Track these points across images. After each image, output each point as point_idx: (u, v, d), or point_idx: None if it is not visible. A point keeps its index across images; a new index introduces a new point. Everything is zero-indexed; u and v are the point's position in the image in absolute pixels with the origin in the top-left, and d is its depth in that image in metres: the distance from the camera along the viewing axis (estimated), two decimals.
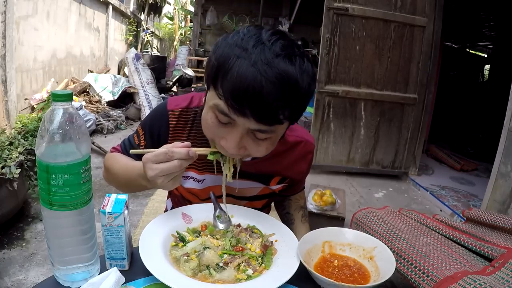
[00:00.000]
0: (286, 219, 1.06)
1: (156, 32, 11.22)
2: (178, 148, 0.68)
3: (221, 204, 0.85)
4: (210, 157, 0.76)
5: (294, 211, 1.06)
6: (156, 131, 0.90)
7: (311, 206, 2.23)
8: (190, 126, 0.88)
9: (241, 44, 0.61)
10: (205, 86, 0.73)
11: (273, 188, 0.95)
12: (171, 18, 11.80)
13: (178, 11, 11.24)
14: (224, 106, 0.64)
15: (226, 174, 0.79)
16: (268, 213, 1.10)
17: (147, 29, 9.35)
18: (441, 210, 2.98)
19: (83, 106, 4.44)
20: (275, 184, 0.94)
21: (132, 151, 0.75)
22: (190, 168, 0.90)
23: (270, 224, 0.84)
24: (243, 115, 0.62)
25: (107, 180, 0.97)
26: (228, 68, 0.61)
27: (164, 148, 0.69)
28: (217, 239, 0.77)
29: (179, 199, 1.00)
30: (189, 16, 11.63)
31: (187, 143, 0.71)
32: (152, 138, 0.90)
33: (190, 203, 0.93)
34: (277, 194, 1.01)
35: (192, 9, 10.91)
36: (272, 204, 1.14)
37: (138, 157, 0.94)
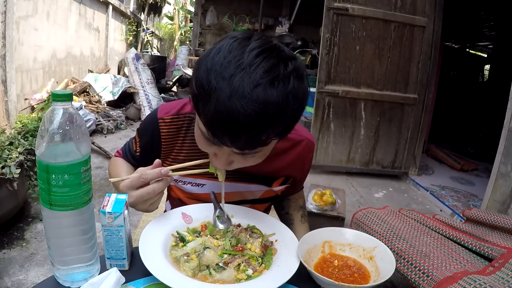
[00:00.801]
0: (286, 219, 1.06)
1: (156, 32, 11.21)
2: (150, 170, 0.71)
3: (221, 204, 0.85)
4: (210, 170, 0.78)
5: (293, 211, 1.06)
6: (149, 140, 0.90)
7: (311, 206, 2.23)
8: (184, 133, 0.88)
9: (220, 70, 0.58)
10: None
11: (276, 189, 0.95)
12: (171, 18, 11.80)
13: (178, 11, 11.24)
14: (207, 132, 0.64)
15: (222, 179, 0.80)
16: (268, 213, 1.10)
17: (147, 29, 9.35)
18: (441, 210, 2.98)
19: (83, 106, 4.44)
20: (278, 185, 0.94)
21: (111, 180, 0.79)
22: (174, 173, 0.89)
23: (270, 224, 0.84)
24: (224, 144, 0.63)
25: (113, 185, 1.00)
26: (207, 99, 0.58)
27: (138, 172, 0.71)
28: (217, 239, 0.77)
29: (178, 202, 1.00)
30: (189, 16, 11.64)
31: (157, 161, 0.73)
32: (146, 146, 0.91)
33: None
34: (279, 196, 1.01)
35: (192, 9, 10.91)
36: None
37: (134, 160, 0.95)
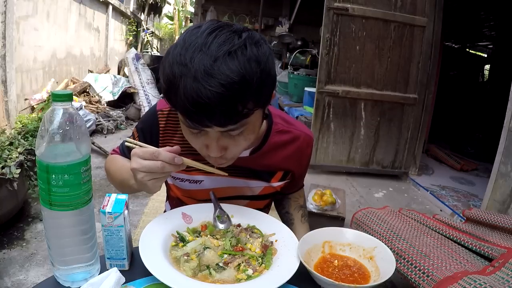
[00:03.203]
0: (286, 219, 1.06)
1: (156, 32, 11.21)
2: (166, 151, 0.68)
3: (221, 204, 0.85)
4: (216, 170, 0.78)
5: (294, 210, 1.06)
6: (148, 132, 0.90)
7: (311, 206, 2.23)
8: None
9: (181, 60, 0.61)
10: None
11: (275, 185, 0.94)
12: (171, 18, 11.80)
13: (178, 11, 11.25)
14: (186, 121, 0.65)
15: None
16: (268, 212, 1.10)
17: (147, 29, 9.34)
18: (441, 210, 2.98)
19: (83, 106, 4.44)
20: (277, 181, 0.93)
21: (127, 139, 0.75)
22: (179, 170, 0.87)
23: (270, 224, 0.84)
24: (206, 126, 0.64)
25: (110, 181, 0.99)
26: (176, 89, 0.61)
27: (154, 148, 0.70)
28: (217, 239, 0.77)
29: (177, 202, 1.00)
30: (189, 16, 11.64)
31: (177, 148, 0.71)
32: (145, 140, 0.90)
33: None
34: (279, 193, 1.01)
35: (192, 9, 10.91)
36: (272, 203, 1.14)
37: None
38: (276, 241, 0.79)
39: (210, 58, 0.59)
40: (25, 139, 2.46)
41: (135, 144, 0.73)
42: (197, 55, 0.60)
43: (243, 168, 0.88)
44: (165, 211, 1.09)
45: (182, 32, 0.66)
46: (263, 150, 0.88)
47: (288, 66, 4.68)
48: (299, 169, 0.97)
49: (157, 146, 0.86)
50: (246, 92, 0.61)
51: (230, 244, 0.75)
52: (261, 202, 0.99)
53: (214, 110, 0.60)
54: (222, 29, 0.63)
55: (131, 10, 8.77)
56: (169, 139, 0.89)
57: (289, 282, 0.65)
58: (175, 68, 0.61)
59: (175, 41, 0.69)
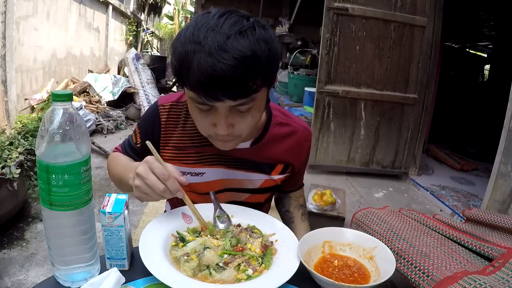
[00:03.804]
0: (286, 218, 1.06)
1: (156, 32, 11.21)
2: (175, 179, 0.71)
3: (221, 204, 0.85)
4: (209, 231, 0.79)
5: (294, 209, 1.06)
6: (149, 128, 0.91)
7: (311, 206, 2.23)
8: (184, 120, 0.90)
9: (194, 38, 0.64)
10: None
11: (275, 178, 0.94)
12: (171, 18, 11.80)
13: (178, 11, 11.24)
14: (198, 97, 0.67)
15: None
16: (268, 209, 1.11)
17: (147, 29, 9.34)
18: (441, 210, 2.98)
19: (83, 106, 4.44)
20: (277, 173, 0.94)
21: (148, 142, 0.76)
22: (175, 162, 0.89)
23: (270, 224, 0.84)
24: (217, 100, 0.66)
25: (110, 178, 1.00)
26: (189, 65, 0.64)
27: (170, 168, 0.72)
28: (217, 239, 0.77)
29: (177, 200, 1.00)
30: (189, 16, 11.63)
31: (185, 181, 0.74)
32: (147, 135, 0.91)
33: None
34: (279, 190, 1.01)
35: (192, 9, 10.91)
36: (273, 202, 1.14)
37: (135, 153, 0.96)
38: (276, 241, 0.79)
39: (222, 36, 0.63)
40: (25, 139, 2.46)
41: (153, 151, 0.74)
42: (210, 34, 0.63)
43: (244, 160, 0.89)
44: (165, 211, 1.09)
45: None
46: (263, 142, 0.90)
47: (288, 66, 4.68)
48: (298, 163, 0.98)
49: (159, 140, 0.89)
50: (256, 68, 0.64)
51: (230, 244, 0.75)
52: (262, 196, 0.99)
53: (227, 82, 0.63)
54: (231, 14, 0.67)
55: (131, 10, 8.77)
56: (170, 133, 0.90)
57: (289, 282, 0.65)
58: (188, 46, 0.64)
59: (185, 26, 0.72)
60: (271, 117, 0.92)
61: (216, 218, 0.82)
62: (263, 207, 1.05)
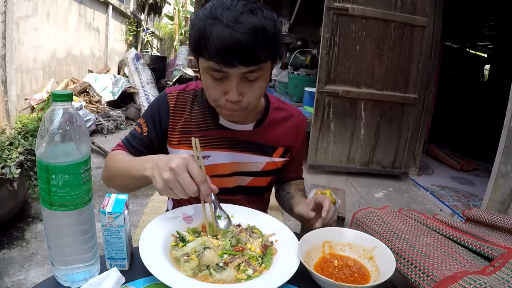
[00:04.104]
0: (286, 198, 1.08)
1: (156, 32, 11.21)
2: (208, 186, 0.73)
3: (221, 204, 0.85)
4: (209, 232, 0.79)
5: (294, 191, 1.09)
6: (157, 115, 0.96)
7: None
8: (190, 106, 0.97)
9: (211, 15, 0.74)
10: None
11: (276, 160, 1.00)
12: (171, 18, 11.80)
13: (178, 11, 11.24)
14: (215, 64, 0.76)
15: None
16: (269, 199, 1.15)
17: (147, 29, 9.34)
18: (441, 210, 2.98)
19: (83, 106, 4.44)
20: (278, 156, 1.00)
21: (194, 139, 0.85)
22: (182, 146, 0.95)
23: (270, 224, 0.84)
24: (232, 65, 0.75)
25: (106, 180, 0.96)
26: (208, 35, 0.73)
27: (204, 174, 0.75)
28: (217, 239, 0.77)
29: (182, 199, 0.99)
30: (189, 16, 11.63)
31: (215, 188, 0.75)
32: (154, 123, 0.96)
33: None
34: (280, 171, 1.04)
35: (192, 9, 10.91)
36: (273, 203, 1.15)
37: (141, 144, 0.97)
38: (276, 241, 0.79)
39: (237, 12, 0.73)
40: (25, 139, 2.46)
41: (196, 150, 0.82)
42: (226, 11, 0.74)
43: (247, 142, 0.96)
44: (167, 210, 1.09)
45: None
46: (264, 125, 0.98)
47: (288, 66, 4.68)
48: (296, 146, 1.05)
49: (167, 126, 0.96)
50: (265, 39, 0.75)
51: (230, 244, 0.75)
52: (264, 179, 1.02)
53: (242, 50, 0.72)
54: None
55: (131, 10, 8.77)
56: (178, 118, 0.96)
57: (289, 282, 0.65)
58: (207, 21, 0.74)
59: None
60: (269, 103, 1.01)
61: (216, 218, 0.82)
62: (265, 194, 1.08)
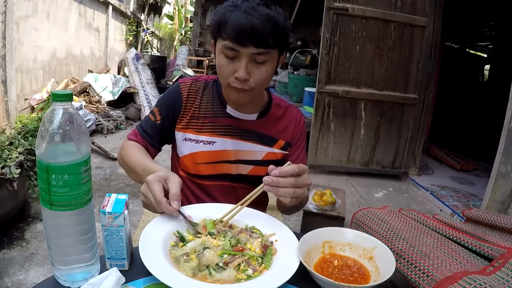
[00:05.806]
0: None
1: (156, 32, 11.20)
2: (167, 205, 0.78)
3: (222, 204, 0.88)
4: (209, 229, 0.80)
5: None
6: (171, 103, 1.05)
7: (311, 206, 2.23)
8: (201, 96, 1.06)
9: (232, 4, 0.88)
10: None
11: (276, 151, 1.06)
12: (171, 18, 11.80)
13: (178, 11, 11.24)
14: (229, 43, 0.86)
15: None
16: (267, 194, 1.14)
17: (147, 29, 9.34)
18: (441, 210, 2.98)
19: (83, 106, 4.44)
20: (279, 148, 1.07)
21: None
22: (189, 130, 1.04)
23: (270, 224, 0.84)
24: (244, 45, 0.85)
25: (120, 164, 1.07)
26: (228, 18, 0.86)
27: (173, 189, 0.79)
28: (217, 237, 0.77)
29: (184, 180, 1.05)
30: (189, 16, 11.63)
31: (172, 209, 0.78)
32: (168, 110, 1.04)
33: (198, 180, 1.05)
34: (280, 164, 1.03)
35: (192, 9, 10.90)
36: (273, 202, 1.15)
37: (154, 131, 1.05)
38: (276, 241, 0.79)
39: (254, 3, 0.86)
40: (25, 139, 2.46)
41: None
42: (245, 2, 0.87)
43: (250, 131, 1.03)
44: None
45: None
46: (267, 117, 1.06)
47: (288, 66, 4.68)
48: (296, 138, 1.11)
49: (179, 113, 1.05)
50: (275, 29, 0.86)
51: (230, 244, 0.75)
52: (264, 169, 1.01)
53: (255, 32, 0.84)
54: None
55: (131, 10, 8.77)
56: (190, 106, 1.04)
57: (289, 282, 0.65)
58: (227, 8, 0.87)
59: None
60: (271, 99, 1.09)
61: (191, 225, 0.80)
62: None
